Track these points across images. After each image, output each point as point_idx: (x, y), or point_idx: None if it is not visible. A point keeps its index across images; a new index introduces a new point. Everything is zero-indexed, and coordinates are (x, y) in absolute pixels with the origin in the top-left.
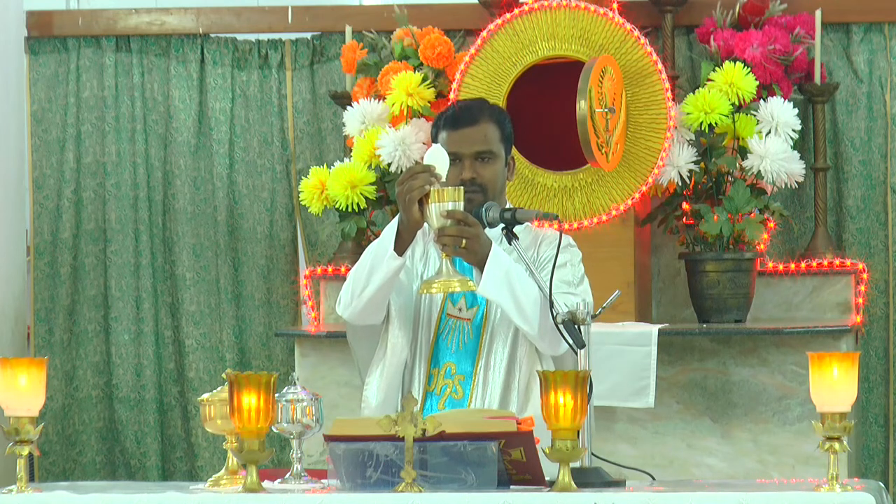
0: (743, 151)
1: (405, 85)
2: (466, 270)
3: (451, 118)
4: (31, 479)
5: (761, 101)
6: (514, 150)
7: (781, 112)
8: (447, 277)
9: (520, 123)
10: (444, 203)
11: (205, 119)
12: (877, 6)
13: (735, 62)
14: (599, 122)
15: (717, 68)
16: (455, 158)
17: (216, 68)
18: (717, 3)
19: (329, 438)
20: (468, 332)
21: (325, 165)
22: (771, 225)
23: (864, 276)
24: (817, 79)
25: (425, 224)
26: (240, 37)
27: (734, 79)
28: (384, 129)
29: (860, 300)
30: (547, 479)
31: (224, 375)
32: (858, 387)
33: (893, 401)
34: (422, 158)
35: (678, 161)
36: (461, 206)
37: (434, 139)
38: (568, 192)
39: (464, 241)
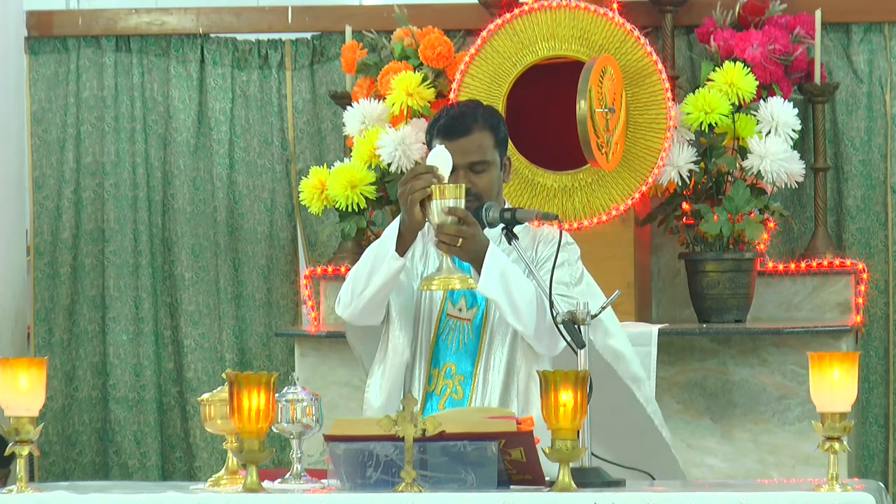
0: (743, 151)
1: (405, 85)
2: (466, 269)
3: (444, 128)
4: (31, 479)
5: (761, 101)
6: (513, 150)
7: (781, 112)
8: (447, 274)
9: (520, 123)
10: (446, 200)
11: (205, 119)
12: (877, 6)
13: (735, 62)
14: (599, 122)
15: (717, 68)
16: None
17: (216, 68)
18: (717, 3)
19: (329, 438)
20: (468, 333)
21: (325, 165)
22: (771, 225)
23: (864, 276)
24: (817, 79)
25: (426, 224)
26: (240, 37)
27: (734, 79)
28: (384, 129)
29: (860, 300)
30: (547, 479)
31: (224, 375)
32: (858, 387)
33: (893, 401)
34: (422, 158)
35: (678, 161)
36: (462, 203)
37: (428, 146)
38: (568, 192)
39: (460, 241)
